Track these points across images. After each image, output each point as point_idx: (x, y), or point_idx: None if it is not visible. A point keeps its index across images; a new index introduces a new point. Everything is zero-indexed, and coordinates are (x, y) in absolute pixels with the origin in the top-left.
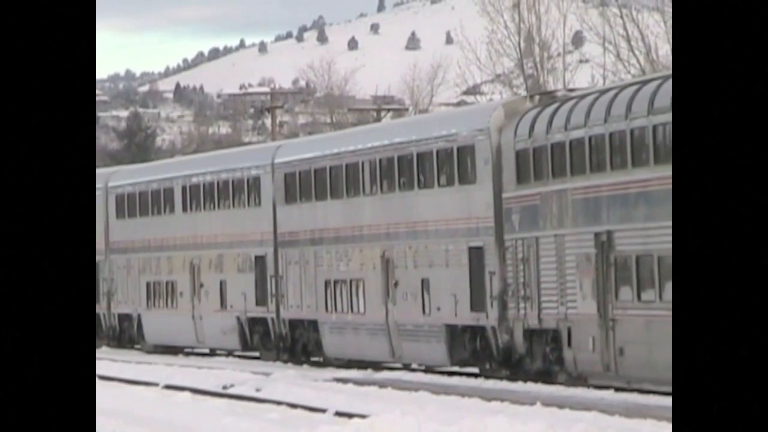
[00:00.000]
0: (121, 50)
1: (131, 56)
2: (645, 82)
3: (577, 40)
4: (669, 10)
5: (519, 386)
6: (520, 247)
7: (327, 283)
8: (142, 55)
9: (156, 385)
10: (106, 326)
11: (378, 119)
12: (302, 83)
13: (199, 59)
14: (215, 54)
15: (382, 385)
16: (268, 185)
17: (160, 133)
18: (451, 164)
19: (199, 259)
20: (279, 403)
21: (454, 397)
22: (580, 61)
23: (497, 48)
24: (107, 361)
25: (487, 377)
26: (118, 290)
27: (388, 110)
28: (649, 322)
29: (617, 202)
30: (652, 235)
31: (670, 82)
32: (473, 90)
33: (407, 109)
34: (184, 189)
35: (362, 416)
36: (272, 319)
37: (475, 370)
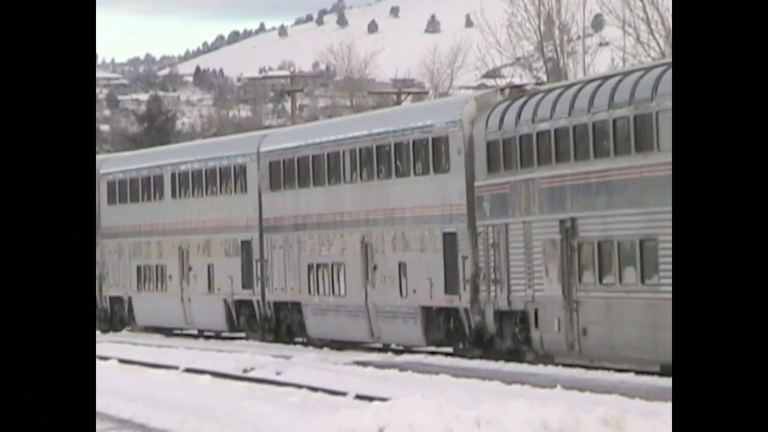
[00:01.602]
0: (140, 34)
1: (151, 40)
2: (606, 78)
3: (597, 23)
4: None
5: (539, 369)
6: (490, 233)
7: (310, 267)
8: (162, 38)
9: (176, 368)
10: (97, 309)
11: (398, 102)
12: (322, 67)
13: (219, 42)
14: (235, 37)
15: (402, 368)
16: (254, 173)
17: (180, 117)
18: (426, 154)
19: (187, 244)
20: (299, 386)
21: (474, 380)
22: (600, 45)
23: (517, 31)
24: (127, 345)
25: (462, 356)
26: (110, 274)
27: (408, 93)
28: (609, 304)
29: (580, 191)
30: (612, 222)
31: (629, 78)
32: (493, 73)
33: (427, 93)
34: (173, 176)
35: (382, 399)
36: (258, 302)
37: (449, 349)
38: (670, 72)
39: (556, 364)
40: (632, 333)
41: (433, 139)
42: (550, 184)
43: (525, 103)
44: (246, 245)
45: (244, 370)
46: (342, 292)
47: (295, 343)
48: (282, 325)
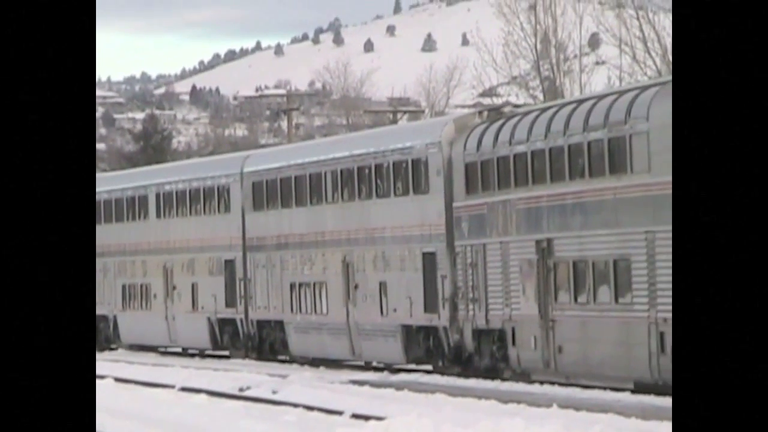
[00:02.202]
0: (136, 52)
1: (147, 58)
2: (581, 102)
3: (594, 41)
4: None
5: (535, 388)
6: (469, 252)
7: (292, 286)
8: (158, 57)
9: (172, 387)
10: None
11: (394, 121)
12: (318, 85)
13: (216, 61)
14: (231, 56)
15: (398, 387)
16: (237, 193)
17: (176, 135)
18: (406, 175)
19: (172, 263)
20: (295, 405)
21: (470, 399)
22: (597, 63)
23: (513, 50)
24: (123, 363)
25: (442, 374)
26: (95, 292)
27: (404, 112)
28: (584, 323)
29: (556, 211)
30: (587, 242)
31: (603, 102)
32: (489, 92)
33: (423, 111)
34: (158, 196)
35: (379, 418)
36: (241, 320)
37: (429, 367)
38: (643, 95)
39: (532, 382)
40: (606, 351)
41: (412, 161)
42: (526, 205)
43: (502, 125)
44: (229, 264)
45: (240, 389)
46: (324, 311)
47: (289, 362)
48: (265, 343)
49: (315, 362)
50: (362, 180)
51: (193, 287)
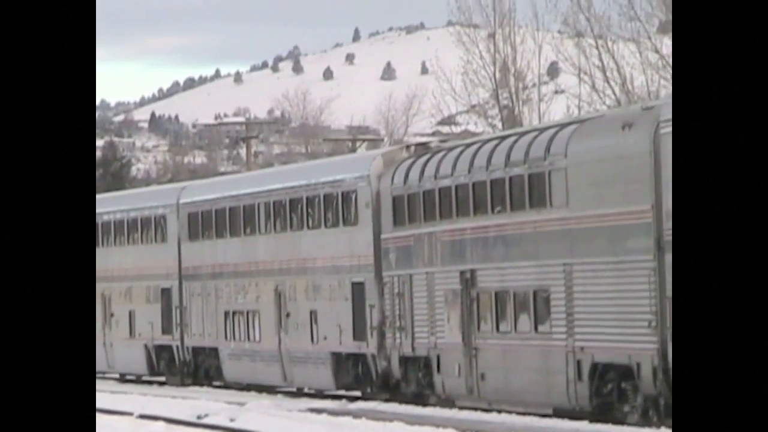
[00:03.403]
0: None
1: (106, 85)
2: (503, 138)
3: (553, 70)
4: (644, 41)
5: (493, 417)
6: (396, 282)
7: (226, 314)
8: (116, 84)
9: (130, 414)
10: None
11: (353, 150)
12: (277, 113)
13: (175, 89)
14: (190, 84)
15: (356, 415)
16: (174, 223)
17: (135, 163)
18: (336, 207)
19: (110, 291)
20: None
21: (428, 427)
22: (556, 92)
23: (472, 78)
24: None
25: (368, 399)
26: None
27: (363, 140)
28: (505, 351)
29: (479, 244)
30: (508, 274)
31: (524, 139)
32: (448, 120)
33: (382, 140)
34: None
35: None
36: (177, 347)
37: (358, 393)
38: (562, 133)
39: (456, 408)
40: (526, 378)
41: (342, 193)
42: (451, 237)
43: (428, 160)
44: (166, 292)
45: (198, 417)
46: (257, 338)
47: (248, 390)
48: (200, 370)
49: (257, 389)
50: (294, 211)
51: (131, 314)
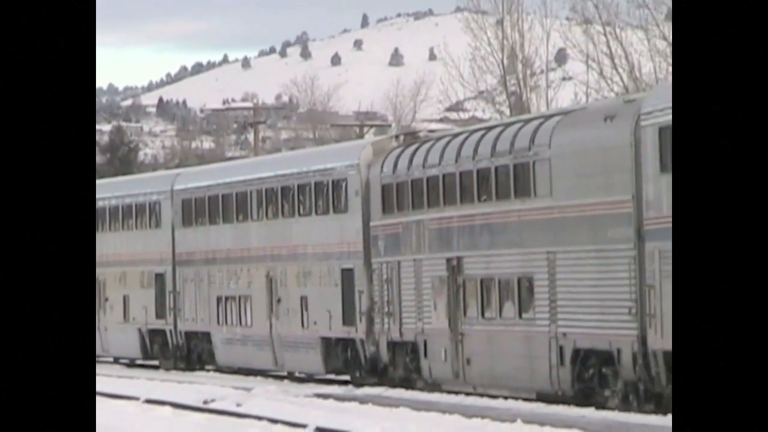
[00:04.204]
0: (103, 65)
1: (114, 70)
2: (489, 129)
3: (561, 57)
4: (653, 28)
5: (499, 403)
6: (384, 269)
7: (219, 299)
8: (125, 69)
9: (137, 399)
10: None
11: (361, 135)
12: (285, 99)
13: (183, 74)
14: (198, 69)
15: (362, 401)
16: (168, 210)
17: (143, 148)
18: (326, 195)
19: (104, 276)
20: (259, 418)
21: (434, 413)
22: (563, 79)
23: (480, 65)
24: None
25: (358, 384)
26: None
27: (371, 126)
28: (490, 337)
29: (465, 232)
30: (494, 261)
31: (510, 130)
32: (456, 107)
33: (390, 126)
34: None
35: None
36: (170, 331)
37: (347, 377)
38: (546, 124)
39: (443, 392)
40: (511, 363)
41: (333, 181)
42: (438, 225)
43: (417, 149)
44: (160, 278)
45: (205, 402)
46: (248, 323)
47: (255, 375)
48: (193, 354)
49: (241, 371)
50: (286, 199)
51: (125, 299)
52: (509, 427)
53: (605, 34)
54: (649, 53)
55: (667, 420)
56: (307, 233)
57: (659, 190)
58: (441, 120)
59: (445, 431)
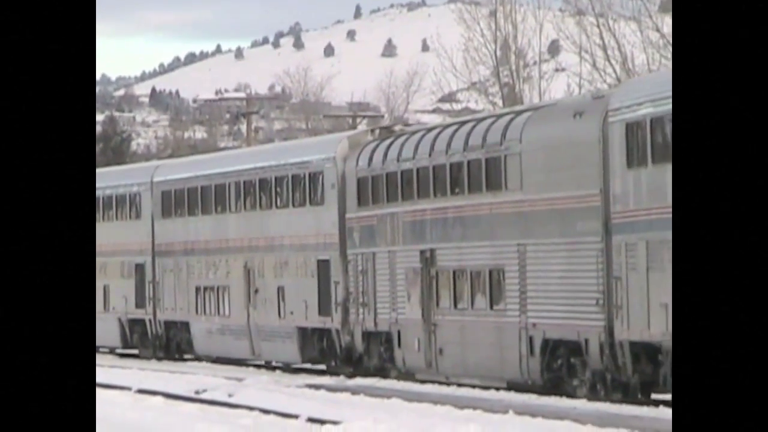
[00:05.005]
0: (96, 54)
1: (107, 60)
2: (462, 123)
3: (554, 48)
4: (646, 19)
5: (491, 394)
6: (360, 260)
7: (197, 289)
8: (117, 59)
9: (128, 389)
10: None
11: (354, 126)
12: (278, 89)
13: (176, 64)
14: (191, 59)
15: (354, 392)
16: (148, 201)
17: (136, 138)
18: (303, 188)
19: None
20: (251, 408)
21: (426, 404)
22: (556, 70)
23: (473, 56)
24: None
25: (333, 373)
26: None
27: (364, 117)
28: (462, 327)
29: (438, 224)
30: (466, 253)
31: (482, 125)
32: (449, 97)
33: (383, 116)
34: None
35: (335, 423)
36: (150, 320)
37: (323, 366)
38: (517, 120)
39: (416, 381)
40: (482, 352)
41: (309, 174)
42: (412, 218)
43: (392, 143)
44: (140, 268)
45: (197, 392)
46: (226, 313)
47: (246, 365)
48: (172, 343)
49: (219, 360)
50: (263, 191)
51: (105, 289)
52: (501, 417)
53: (598, 26)
54: (642, 45)
55: (658, 411)
56: (285, 225)
57: (626, 184)
58: (434, 111)
59: (437, 422)
